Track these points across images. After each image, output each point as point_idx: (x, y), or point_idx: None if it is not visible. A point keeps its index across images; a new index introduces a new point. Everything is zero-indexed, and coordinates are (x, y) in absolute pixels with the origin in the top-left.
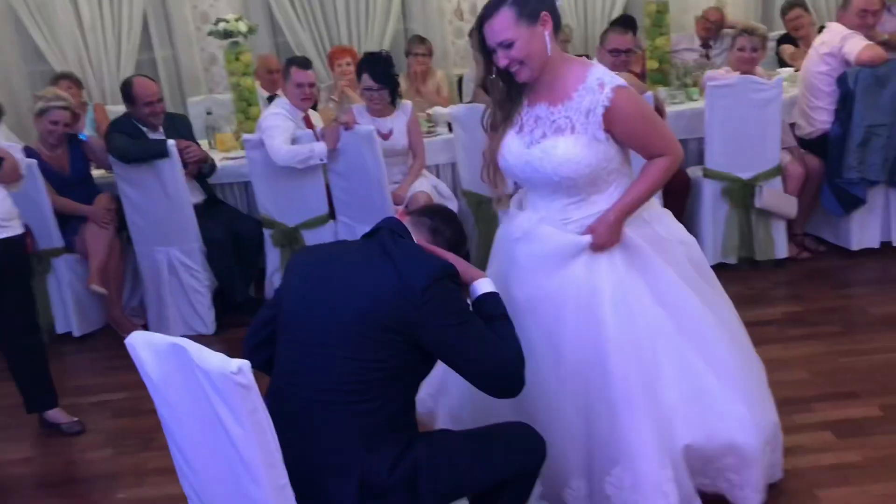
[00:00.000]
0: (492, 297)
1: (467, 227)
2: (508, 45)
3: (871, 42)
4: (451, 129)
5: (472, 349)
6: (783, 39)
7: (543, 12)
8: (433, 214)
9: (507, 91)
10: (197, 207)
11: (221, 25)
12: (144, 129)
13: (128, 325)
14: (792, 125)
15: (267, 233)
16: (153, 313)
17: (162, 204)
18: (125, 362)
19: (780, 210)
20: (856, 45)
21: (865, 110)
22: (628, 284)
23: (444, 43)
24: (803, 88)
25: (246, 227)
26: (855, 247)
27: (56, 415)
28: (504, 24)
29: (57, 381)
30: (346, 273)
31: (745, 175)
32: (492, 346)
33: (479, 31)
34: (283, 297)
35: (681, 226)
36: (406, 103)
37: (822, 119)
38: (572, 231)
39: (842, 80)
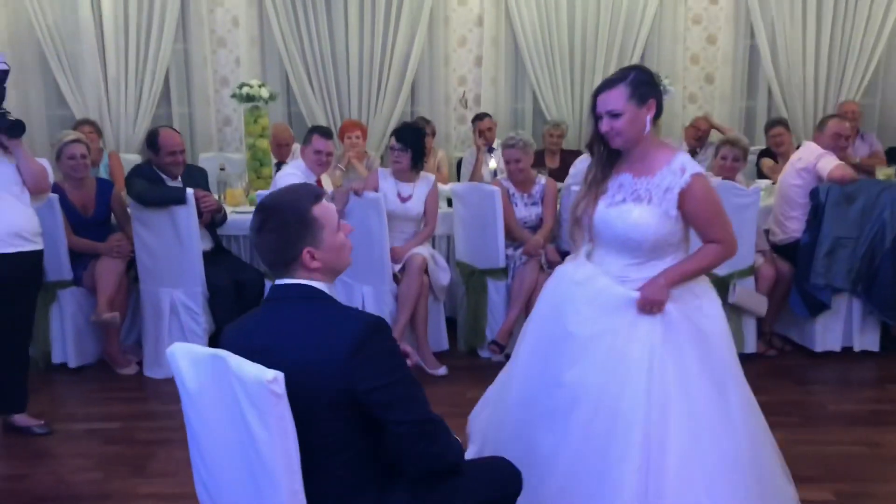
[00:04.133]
0: None
1: (458, 295)
2: (615, 116)
3: (843, 162)
4: (449, 205)
5: (401, 410)
6: (764, 153)
7: (651, 98)
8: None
9: (607, 157)
10: (205, 254)
11: (245, 89)
12: (164, 176)
13: (122, 361)
14: (766, 232)
15: (269, 284)
16: (150, 351)
17: (173, 247)
18: (119, 395)
19: (751, 307)
20: (828, 164)
21: (834, 223)
22: (658, 355)
23: (447, 127)
24: (779, 199)
25: (249, 277)
26: (818, 348)
27: (24, 419)
28: (616, 98)
29: (49, 407)
30: (279, 347)
31: (721, 272)
32: (422, 407)
33: (593, 98)
34: None
35: (722, 314)
36: (430, 176)
37: (794, 228)
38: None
39: (814, 194)
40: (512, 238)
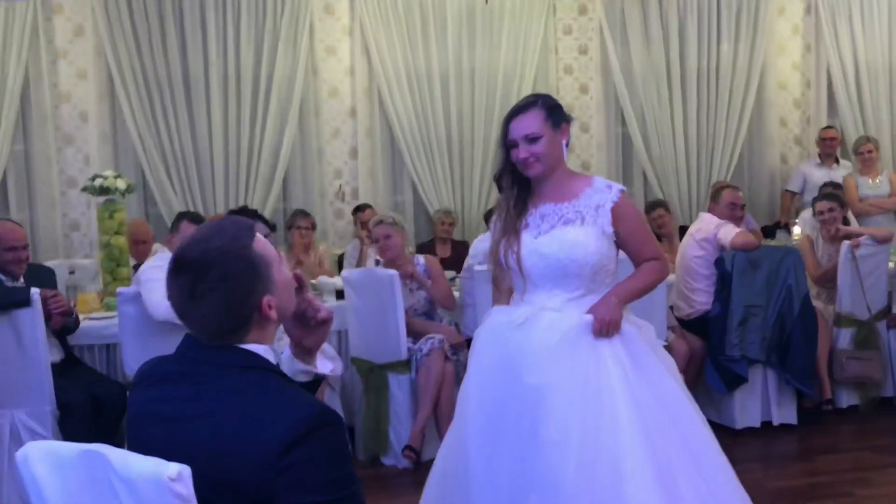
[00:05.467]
0: None
1: (355, 395)
2: (533, 140)
3: (743, 229)
4: (338, 297)
5: None
6: None
7: (564, 123)
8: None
9: (518, 192)
10: (54, 367)
11: (98, 181)
12: (2, 277)
13: None
14: (671, 308)
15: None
16: None
17: (14, 359)
18: None
19: None
20: (729, 232)
21: (742, 291)
22: (633, 377)
23: (325, 223)
24: (681, 273)
25: (107, 391)
26: (739, 425)
27: None
28: (532, 120)
29: None
30: (196, 421)
31: None
32: None
33: (504, 126)
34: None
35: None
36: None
37: (700, 300)
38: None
39: (720, 263)
40: (409, 329)
